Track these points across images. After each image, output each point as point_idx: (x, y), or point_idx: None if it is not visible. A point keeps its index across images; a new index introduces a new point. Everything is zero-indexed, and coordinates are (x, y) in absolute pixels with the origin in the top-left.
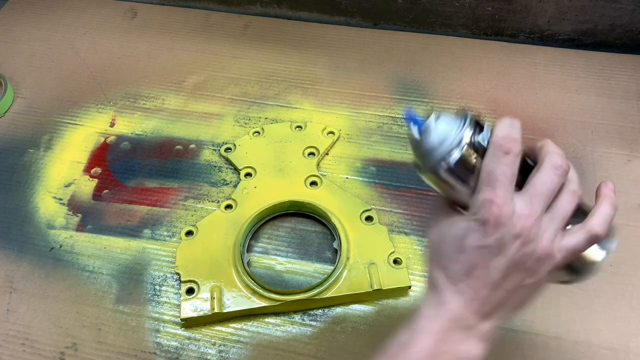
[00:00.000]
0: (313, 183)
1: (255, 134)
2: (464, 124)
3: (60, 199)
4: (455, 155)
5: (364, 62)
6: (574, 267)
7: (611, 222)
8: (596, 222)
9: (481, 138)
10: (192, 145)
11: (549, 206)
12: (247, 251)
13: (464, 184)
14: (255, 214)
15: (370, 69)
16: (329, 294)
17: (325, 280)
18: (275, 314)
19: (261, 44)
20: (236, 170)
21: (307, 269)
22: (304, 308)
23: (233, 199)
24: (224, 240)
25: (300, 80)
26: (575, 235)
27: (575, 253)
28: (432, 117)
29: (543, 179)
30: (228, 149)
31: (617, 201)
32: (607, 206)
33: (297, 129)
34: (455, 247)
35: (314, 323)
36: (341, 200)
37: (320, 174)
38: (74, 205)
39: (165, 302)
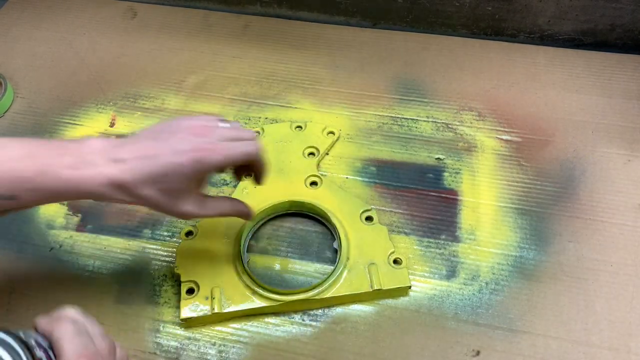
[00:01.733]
0: (313, 183)
1: (255, 133)
2: None
3: None
4: None
5: (364, 62)
6: None
7: None
8: None
9: None
10: None
11: None
12: (247, 251)
13: None
14: (255, 214)
15: (370, 69)
16: (329, 294)
17: (325, 280)
18: (275, 314)
19: (261, 43)
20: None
21: (307, 269)
22: (304, 308)
23: None
24: (224, 240)
25: (300, 80)
26: None
27: None
28: None
29: None
30: None
31: (617, 201)
32: None
33: (297, 129)
34: None
35: (314, 323)
36: (341, 200)
37: (321, 174)
38: (74, 205)
39: (165, 302)
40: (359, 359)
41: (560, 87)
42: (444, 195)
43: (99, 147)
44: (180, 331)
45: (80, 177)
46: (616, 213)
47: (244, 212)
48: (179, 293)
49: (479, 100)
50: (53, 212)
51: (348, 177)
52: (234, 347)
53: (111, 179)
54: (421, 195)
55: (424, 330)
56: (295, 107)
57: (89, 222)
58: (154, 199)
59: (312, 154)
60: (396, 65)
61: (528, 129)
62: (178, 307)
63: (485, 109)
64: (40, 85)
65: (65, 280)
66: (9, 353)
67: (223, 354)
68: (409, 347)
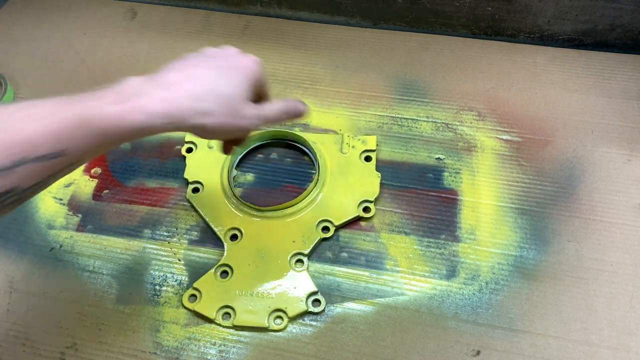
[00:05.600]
0: None
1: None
2: None
3: (61, 199)
4: None
5: (364, 62)
6: None
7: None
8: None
9: None
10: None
11: None
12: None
13: None
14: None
15: (370, 69)
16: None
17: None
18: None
19: (261, 44)
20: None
21: None
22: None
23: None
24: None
25: (300, 80)
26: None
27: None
28: None
29: None
30: None
31: (617, 201)
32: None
33: None
34: None
35: (314, 323)
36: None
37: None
38: (74, 205)
39: (165, 302)
40: (359, 359)
41: (560, 87)
42: (444, 195)
43: (140, 80)
44: (180, 331)
45: (129, 110)
46: (616, 213)
47: (299, 110)
48: (179, 293)
49: (479, 100)
50: (53, 212)
51: None
52: (234, 347)
53: (167, 105)
54: (421, 195)
55: (424, 329)
56: None
57: (89, 222)
58: (214, 116)
59: None
60: (396, 65)
61: (528, 129)
62: (178, 307)
63: (485, 109)
64: (40, 85)
65: (65, 280)
66: None
67: (223, 354)
68: (409, 347)
